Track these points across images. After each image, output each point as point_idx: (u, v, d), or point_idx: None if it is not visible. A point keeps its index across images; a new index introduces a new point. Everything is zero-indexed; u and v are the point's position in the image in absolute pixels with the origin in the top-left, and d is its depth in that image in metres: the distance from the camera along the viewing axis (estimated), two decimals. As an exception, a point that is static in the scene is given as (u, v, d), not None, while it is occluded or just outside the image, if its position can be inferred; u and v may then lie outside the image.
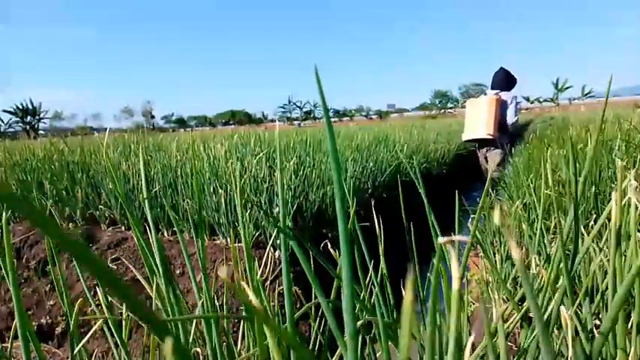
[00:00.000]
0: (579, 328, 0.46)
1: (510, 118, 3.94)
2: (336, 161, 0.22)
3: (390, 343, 0.48)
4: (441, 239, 0.22)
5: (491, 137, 3.84)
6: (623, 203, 0.45)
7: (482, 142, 4.10)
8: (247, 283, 0.66)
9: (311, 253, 0.50)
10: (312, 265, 0.49)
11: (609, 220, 0.47)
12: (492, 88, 4.12)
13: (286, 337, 0.24)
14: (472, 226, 0.50)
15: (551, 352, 0.26)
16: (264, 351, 0.41)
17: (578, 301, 0.53)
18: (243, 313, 0.77)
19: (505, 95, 4.00)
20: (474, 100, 4.19)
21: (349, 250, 0.25)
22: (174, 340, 0.15)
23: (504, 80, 4.10)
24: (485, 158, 4.19)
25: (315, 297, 0.44)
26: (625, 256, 0.47)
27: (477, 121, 3.95)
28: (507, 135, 4.10)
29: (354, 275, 0.58)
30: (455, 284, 0.19)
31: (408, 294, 0.17)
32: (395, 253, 1.25)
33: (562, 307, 0.39)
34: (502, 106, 3.94)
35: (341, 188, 0.22)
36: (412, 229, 0.68)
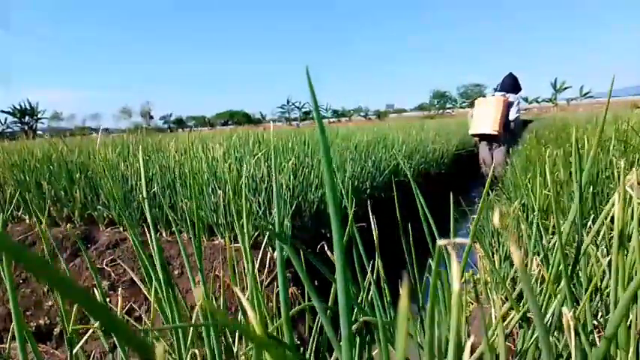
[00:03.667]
0: (580, 329, 0.46)
1: (512, 115, 4.33)
2: (328, 163, 0.21)
3: (388, 343, 0.48)
4: (440, 241, 0.22)
5: (496, 133, 4.22)
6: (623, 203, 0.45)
7: (487, 138, 4.44)
8: (245, 286, 0.66)
9: (309, 254, 0.49)
10: (312, 266, 0.49)
11: (606, 219, 0.46)
12: (500, 90, 4.44)
13: None
14: (472, 226, 0.50)
15: (552, 354, 0.26)
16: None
17: (577, 301, 0.53)
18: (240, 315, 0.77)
19: (512, 97, 4.38)
20: (482, 100, 4.57)
21: (343, 254, 0.25)
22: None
23: (512, 85, 4.48)
24: (491, 155, 4.50)
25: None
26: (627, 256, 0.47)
27: (485, 117, 4.33)
28: (510, 133, 4.42)
29: (353, 276, 0.58)
30: (455, 285, 0.19)
31: (404, 295, 0.17)
32: (393, 253, 1.25)
33: (564, 309, 0.39)
34: (508, 106, 4.32)
35: (334, 191, 0.22)
36: (410, 229, 0.68)
